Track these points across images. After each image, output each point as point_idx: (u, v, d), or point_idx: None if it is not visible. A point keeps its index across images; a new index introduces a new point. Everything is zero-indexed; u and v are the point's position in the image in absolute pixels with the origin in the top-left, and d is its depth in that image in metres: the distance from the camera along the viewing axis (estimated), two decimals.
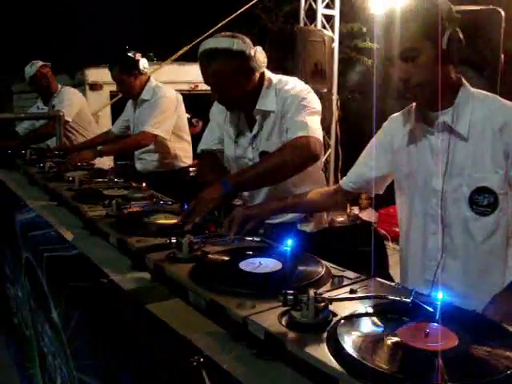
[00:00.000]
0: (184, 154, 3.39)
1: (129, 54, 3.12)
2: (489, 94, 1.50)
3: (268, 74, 2.01)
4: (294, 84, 2.00)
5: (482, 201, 1.43)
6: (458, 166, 1.45)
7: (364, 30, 7.69)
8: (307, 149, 1.81)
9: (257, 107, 1.97)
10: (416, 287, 1.03)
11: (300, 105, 1.91)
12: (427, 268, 1.55)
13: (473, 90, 1.50)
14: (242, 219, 1.56)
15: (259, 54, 1.89)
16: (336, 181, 6.34)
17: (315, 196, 1.85)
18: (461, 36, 1.42)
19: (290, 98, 1.93)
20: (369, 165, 1.70)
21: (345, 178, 1.79)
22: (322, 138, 1.91)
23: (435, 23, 1.37)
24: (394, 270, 2.27)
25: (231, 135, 2.13)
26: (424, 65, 1.41)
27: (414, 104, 1.57)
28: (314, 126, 1.86)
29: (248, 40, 1.89)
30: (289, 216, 2.06)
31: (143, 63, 3.16)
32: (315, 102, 1.96)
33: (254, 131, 2.03)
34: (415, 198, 1.58)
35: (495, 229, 1.45)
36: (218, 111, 2.19)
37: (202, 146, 2.27)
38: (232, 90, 1.90)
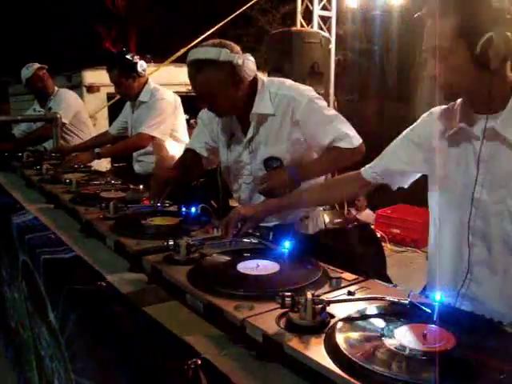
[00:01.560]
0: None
1: (127, 57, 3.12)
2: None
3: (259, 76, 1.99)
4: (290, 87, 1.99)
5: None
6: (503, 176, 1.30)
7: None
8: (353, 159, 1.94)
9: (253, 111, 1.95)
10: (446, 297, 0.96)
11: (323, 114, 1.94)
12: (460, 280, 1.40)
13: None
14: (238, 220, 1.55)
15: (248, 62, 1.85)
16: None
17: (321, 189, 1.81)
18: (510, 38, 1.20)
19: (300, 105, 1.92)
20: (399, 157, 1.56)
21: (367, 167, 1.65)
22: (359, 138, 1.96)
23: (475, 21, 1.21)
24: (392, 272, 2.27)
25: (223, 140, 2.12)
26: (455, 66, 1.26)
27: (458, 101, 1.42)
28: (352, 134, 1.93)
29: (237, 48, 1.87)
30: (286, 218, 2.06)
31: (141, 65, 3.16)
32: (323, 100, 2.02)
33: (249, 135, 1.99)
34: (451, 204, 1.43)
35: None
36: (209, 116, 2.15)
37: (188, 145, 2.31)
38: (220, 100, 1.88)
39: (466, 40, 1.22)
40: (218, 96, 1.86)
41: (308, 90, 2.00)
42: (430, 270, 1.57)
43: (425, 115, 1.53)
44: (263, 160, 1.99)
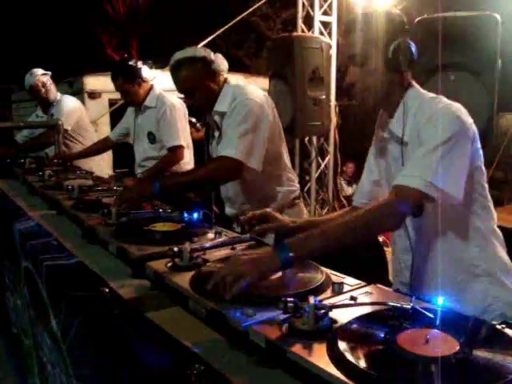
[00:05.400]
0: (185, 161, 3.40)
1: (130, 63, 3.13)
2: (434, 95, 1.48)
3: (231, 78, 2.20)
4: (244, 88, 2.14)
5: None
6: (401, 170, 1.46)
7: None
8: (227, 171, 2.08)
9: (214, 109, 2.15)
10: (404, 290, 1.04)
11: (240, 118, 2.05)
12: (400, 270, 1.61)
13: (422, 93, 1.49)
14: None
15: (219, 59, 2.15)
16: (335, 186, 6.35)
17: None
18: (411, 46, 1.45)
19: (236, 104, 2.08)
20: (368, 174, 1.73)
21: (354, 196, 1.82)
22: (249, 158, 2.03)
23: (385, 33, 1.44)
24: None
25: (209, 140, 2.33)
26: (371, 71, 1.46)
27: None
28: (242, 148, 2.01)
29: (209, 50, 2.17)
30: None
31: (146, 71, 3.17)
32: (255, 116, 2.06)
33: (220, 131, 2.18)
34: None
35: (436, 228, 1.44)
36: None
37: None
38: (200, 92, 2.13)
39: (378, 48, 1.44)
40: (198, 87, 2.11)
41: (253, 95, 2.11)
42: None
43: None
44: None
